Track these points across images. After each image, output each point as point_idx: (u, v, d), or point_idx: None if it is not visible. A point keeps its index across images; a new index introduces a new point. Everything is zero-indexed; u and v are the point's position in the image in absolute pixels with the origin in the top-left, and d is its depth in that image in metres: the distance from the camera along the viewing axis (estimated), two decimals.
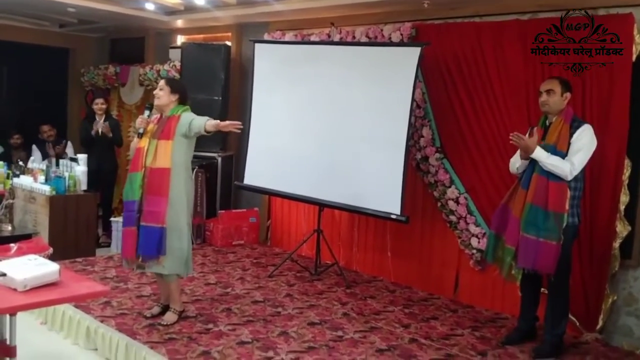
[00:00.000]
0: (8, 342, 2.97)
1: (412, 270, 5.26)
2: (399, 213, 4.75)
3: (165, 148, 3.82)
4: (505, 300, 4.57)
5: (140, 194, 3.84)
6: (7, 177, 5.71)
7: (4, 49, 8.18)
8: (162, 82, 3.98)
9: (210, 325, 3.95)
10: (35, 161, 6.26)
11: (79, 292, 3.01)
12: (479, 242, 4.73)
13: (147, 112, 4.01)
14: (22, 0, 6.23)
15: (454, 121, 4.92)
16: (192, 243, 6.03)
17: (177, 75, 6.87)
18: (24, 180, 5.64)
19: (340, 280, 5.13)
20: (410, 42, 5.05)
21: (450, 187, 4.92)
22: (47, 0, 6.20)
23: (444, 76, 4.94)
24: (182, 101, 3.97)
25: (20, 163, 6.03)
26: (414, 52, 4.70)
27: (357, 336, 3.91)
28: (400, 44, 5.07)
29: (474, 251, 4.77)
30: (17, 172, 5.81)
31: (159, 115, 4.00)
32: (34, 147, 7.07)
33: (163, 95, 3.91)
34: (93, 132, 6.54)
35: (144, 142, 3.90)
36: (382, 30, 5.29)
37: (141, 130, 3.93)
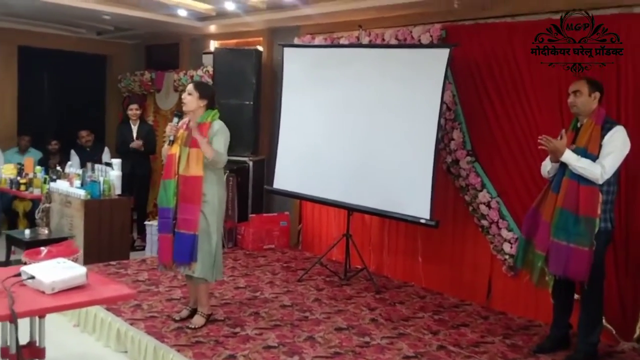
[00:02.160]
0: (38, 344, 3.04)
1: (443, 276, 5.18)
2: (428, 217, 4.68)
3: (198, 156, 3.84)
4: (539, 307, 4.44)
5: (175, 201, 3.89)
6: (44, 182, 5.85)
7: (45, 57, 8.44)
8: (190, 87, 3.97)
9: (238, 329, 3.96)
10: (73, 166, 6.40)
11: (105, 295, 3.05)
12: (511, 247, 4.62)
13: (175, 119, 4.03)
14: (59, 8, 6.38)
15: (485, 123, 4.83)
16: (224, 247, 6.11)
17: (210, 81, 6.95)
18: (60, 185, 5.76)
19: (369, 286, 5.09)
20: (440, 43, 4.99)
21: (481, 191, 4.83)
22: (82, 7, 6.34)
23: (474, 78, 4.86)
24: (210, 106, 3.97)
25: (58, 168, 6.18)
26: (443, 54, 4.65)
27: (385, 342, 3.86)
28: (429, 45, 5.01)
29: (507, 257, 4.67)
30: (54, 177, 5.95)
31: (187, 120, 4.03)
32: (72, 152, 7.25)
33: (191, 101, 3.91)
34: (131, 147, 6.68)
35: (175, 149, 3.93)
36: (411, 32, 5.24)
37: (171, 138, 3.97)
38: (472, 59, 4.84)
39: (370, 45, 5.44)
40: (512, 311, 4.61)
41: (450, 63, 4.67)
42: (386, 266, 5.64)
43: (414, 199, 4.77)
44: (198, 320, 3.99)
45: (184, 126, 4.00)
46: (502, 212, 4.72)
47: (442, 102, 4.70)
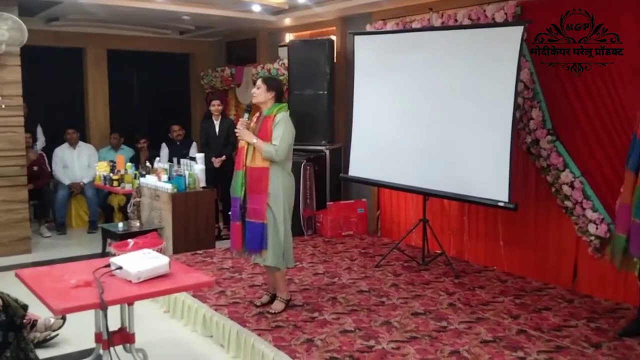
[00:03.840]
0: (128, 330, 3.26)
1: (526, 259, 5.05)
2: (506, 200, 4.58)
3: None
4: (628, 289, 4.25)
5: (243, 191, 4.05)
6: (135, 177, 6.20)
7: (134, 58, 8.91)
8: (259, 81, 4.15)
9: (316, 314, 4.06)
10: (162, 160, 6.73)
11: (186, 283, 3.24)
12: (596, 228, 4.44)
13: (246, 115, 4.19)
14: (141, 12, 6.74)
15: (566, 101, 4.65)
16: (304, 234, 6.24)
17: (285, 73, 7.08)
18: (149, 180, 6.09)
19: (448, 270, 5.05)
20: (515, 20, 4.83)
21: (564, 170, 4.66)
22: (163, 10, 6.65)
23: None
24: (278, 99, 4.10)
25: (147, 164, 6.53)
26: (517, 32, 4.50)
27: (462, 327, 3.84)
28: (502, 24, 4.87)
29: (592, 238, 4.49)
30: (144, 172, 6.29)
31: (258, 113, 4.18)
32: (163, 144, 7.68)
33: (260, 94, 4.08)
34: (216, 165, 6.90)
35: (245, 142, 4.08)
36: (484, 10, 5.10)
37: None
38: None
39: (441, 27, 5.35)
40: (598, 294, 4.45)
41: (526, 40, 4.53)
42: (466, 251, 5.57)
43: (492, 182, 4.67)
44: (278, 305, 4.13)
45: (255, 118, 4.15)
46: (586, 192, 4.54)
47: (518, 80, 4.56)
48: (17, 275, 3.23)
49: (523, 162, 4.96)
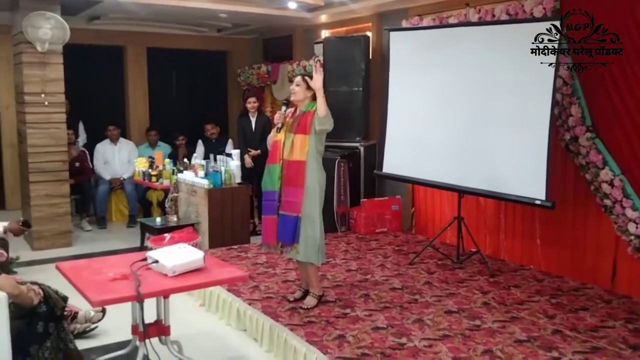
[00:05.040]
0: (163, 322, 3.33)
1: (563, 259, 4.97)
2: (544, 198, 4.51)
3: (303, 142, 4.02)
4: None
5: (279, 184, 4.08)
6: (173, 173, 6.31)
7: (172, 56, 9.07)
8: (298, 78, 4.18)
9: (348, 310, 4.08)
10: (198, 157, 6.85)
11: (220, 277, 3.29)
12: (637, 227, 4.34)
13: (284, 108, 4.23)
14: (182, 10, 6.85)
15: (606, 97, 4.54)
16: (337, 230, 6.24)
17: (321, 70, 7.08)
18: (187, 176, 6.19)
19: (483, 269, 5.00)
20: (552, 16, 4.75)
21: (603, 168, 4.56)
22: (201, 8, 6.75)
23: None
24: (315, 96, 4.12)
25: (185, 160, 6.65)
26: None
27: (496, 326, 3.80)
28: (539, 19, 4.78)
29: (632, 237, 4.39)
30: (181, 168, 6.40)
31: (293, 109, 4.21)
32: (199, 142, 7.82)
33: (299, 91, 4.11)
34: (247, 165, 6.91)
35: (281, 136, 4.12)
36: (522, 5, 5.03)
37: (279, 125, 4.17)
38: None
39: (477, 22, 5.29)
40: (638, 295, 4.35)
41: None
42: (502, 249, 5.50)
43: (529, 180, 4.60)
44: (310, 301, 4.16)
45: (290, 114, 4.18)
46: (626, 190, 4.44)
47: (557, 76, 4.49)
48: (57, 267, 3.34)
49: (561, 160, 4.87)
